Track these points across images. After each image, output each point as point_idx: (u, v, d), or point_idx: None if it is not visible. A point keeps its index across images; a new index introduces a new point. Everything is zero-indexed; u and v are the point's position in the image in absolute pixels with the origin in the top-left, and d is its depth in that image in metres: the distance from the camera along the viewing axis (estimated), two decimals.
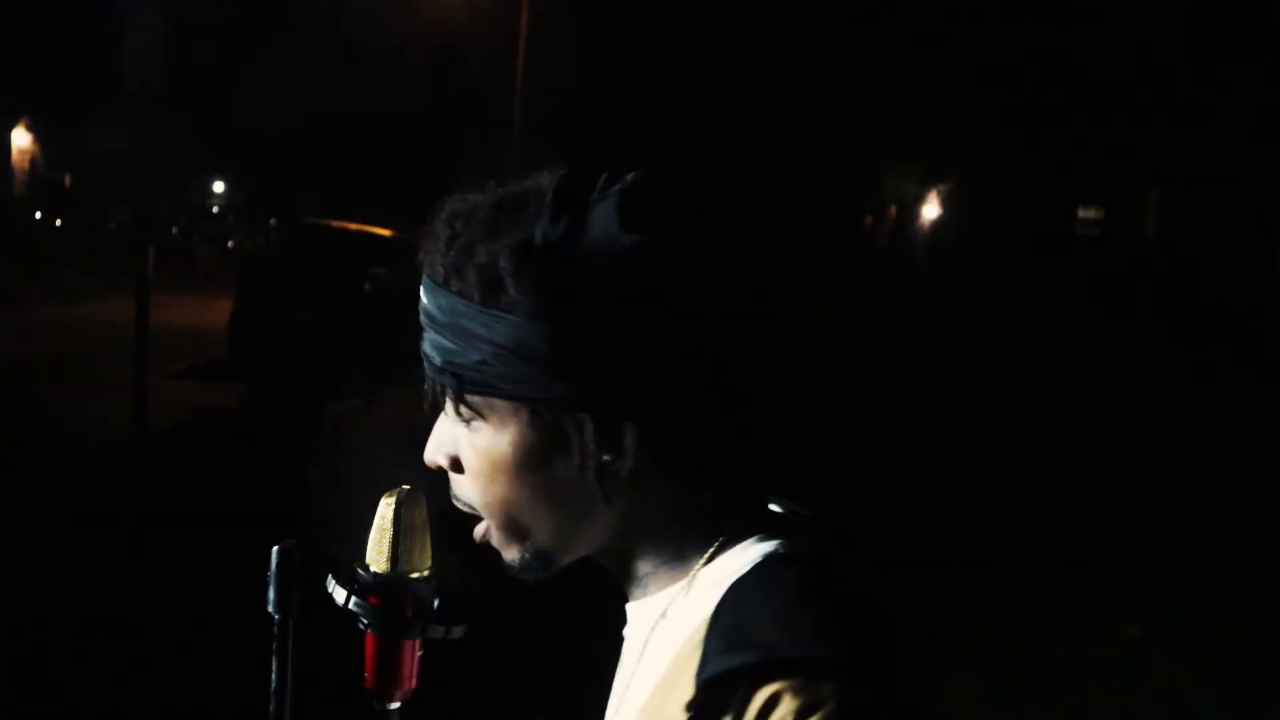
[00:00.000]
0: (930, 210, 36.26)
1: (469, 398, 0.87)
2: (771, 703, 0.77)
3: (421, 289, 0.90)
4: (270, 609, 0.87)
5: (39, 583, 5.08)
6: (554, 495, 0.88)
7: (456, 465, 0.92)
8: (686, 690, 0.82)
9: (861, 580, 0.88)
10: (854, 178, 36.67)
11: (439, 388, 0.90)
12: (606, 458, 0.85)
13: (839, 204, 36.91)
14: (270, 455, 7.58)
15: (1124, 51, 25.21)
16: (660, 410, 0.85)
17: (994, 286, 25.57)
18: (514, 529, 0.90)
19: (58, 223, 36.24)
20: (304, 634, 0.88)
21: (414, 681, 0.91)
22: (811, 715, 0.76)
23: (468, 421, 0.89)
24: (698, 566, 0.89)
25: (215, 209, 49.89)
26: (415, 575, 0.90)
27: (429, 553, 0.91)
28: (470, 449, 0.90)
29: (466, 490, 0.92)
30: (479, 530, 0.93)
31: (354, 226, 14.73)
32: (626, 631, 0.96)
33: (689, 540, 0.90)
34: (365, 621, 0.89)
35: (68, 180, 41.03)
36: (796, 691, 0.77)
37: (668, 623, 0.90)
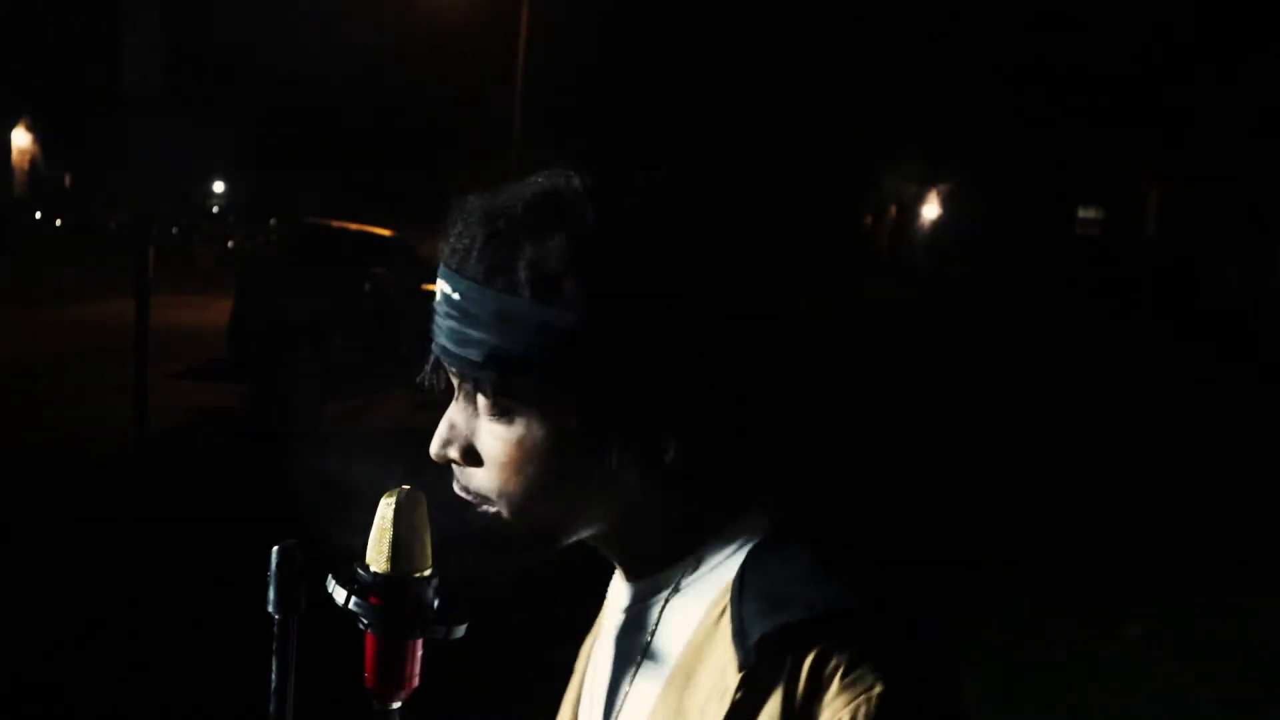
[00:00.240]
0: (930, 210, 36.25)
1: (508, 390, 0.89)
2: (824, 653, 0.82)
3: (447, 287, 0.90)
4: (270, 609, 0.87)
5: (39, 582, 5.09)
6: (583, 481, 0.90)
7: (470, 457, 0.93)
8: (722, 654, 0.86)
9: (860, 546, 0.91)
10: (854, 178, 36.67)
11: (462, 383, 0.92)
12: (645, 447, 0.88)
13: (839, 204, 36.90)
14: (270, 455, 7.59)
15: (1124, 51, 25.21)
16: (703, 403, 0.89)
17: (994, 286, 25.57)
18: (528, 516, 0.92)
19: (58, 223, 36.24)
20: (304, 634, 0.87)
21: (414, 681, 0.91)
22: (864, 659, 0.81)
23: (501, 413, 0.90)
24: (702, 545, 0.93)
25: (215, 209, 49.89)
26: (415, 575, 0.90)
27: (429, 553, 0.91)
28: (496, 439, 0.91)
29: (483, 481, 0.93)
30: (479, 521, 0.94)
31: (354, 226, 14.73)
32: (618, 606, 0.99)
33: (695, 520, 0.94)
34: (365, 621, 0.89)
35: (68, 180, 41.03)
36: (844, 640, 0.82)
37: (682, 596, 0.93)
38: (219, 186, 53.89)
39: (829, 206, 35.90)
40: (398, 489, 0.91)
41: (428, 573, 0.90)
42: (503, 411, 0.90)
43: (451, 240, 0.90)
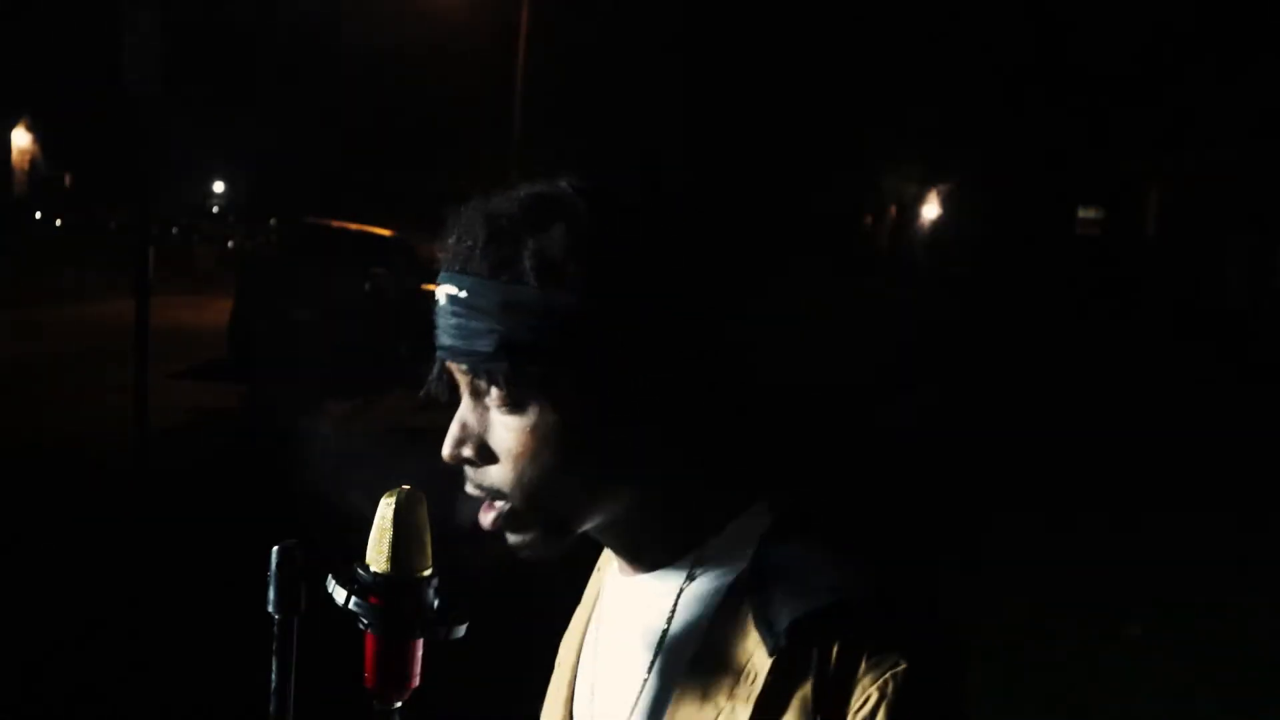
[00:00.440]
0: (930, 210, 36.25)
1: (521, 378, 0.92)
2: (851, 635, 0.87)
3: (452, 288, 0.94)
4: (270, 609, 0.87)
5: (39, 582, 5.09)
6: (593, 466, 0.93)
7: (484, 454, 0.95)
8: (747, 638, 0.90)
9: (864, 532, 0.95)
10: (854, 178, 36.67)
11: (474, 378, 0.94)
12: (652, 426, 0.92)
13: (839, 203, 36.90)
14: (270, 455, 7.58)
15: (1124, 51, 25.20)
16: (701, 377, 0.93)
17: (994, 286, 25.57)
18: (542, 506, 0.94)
19: (58, 223, 36.23)
20: (304, 634, 0.87)
21: (414, 681, 0.91)
22: (889, 640, 0.86)
23: (513, 403, 0.93)
24: (714, 534, 0.97)
25: (215, 209, 49.88)
26: (415, 575, 0.90)
27: (429, 553, 0.91)
28: (509, 432, 0.94)
29: (497, 476, 0.95)
30: (491, 517, 0.96)
31: (354, 226, 14.73)
32: (617, 600, 1.03)
33: (704, 509, 0.97)
34: (365, 621, 0.89)
35: (68, 180, 41.02)
36: (870, 622, 0.87)
37: (698, 585, 0.96)
38: (219, 186, 53.87)
39: (829, 206, 35.89)
40: (398, 489, 0.91)
41: (428, 573, 0.91)
42: (514, 402, 0.93)
43: (453, 244, 0.94)
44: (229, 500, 6.38)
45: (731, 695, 0.90)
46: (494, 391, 0.93)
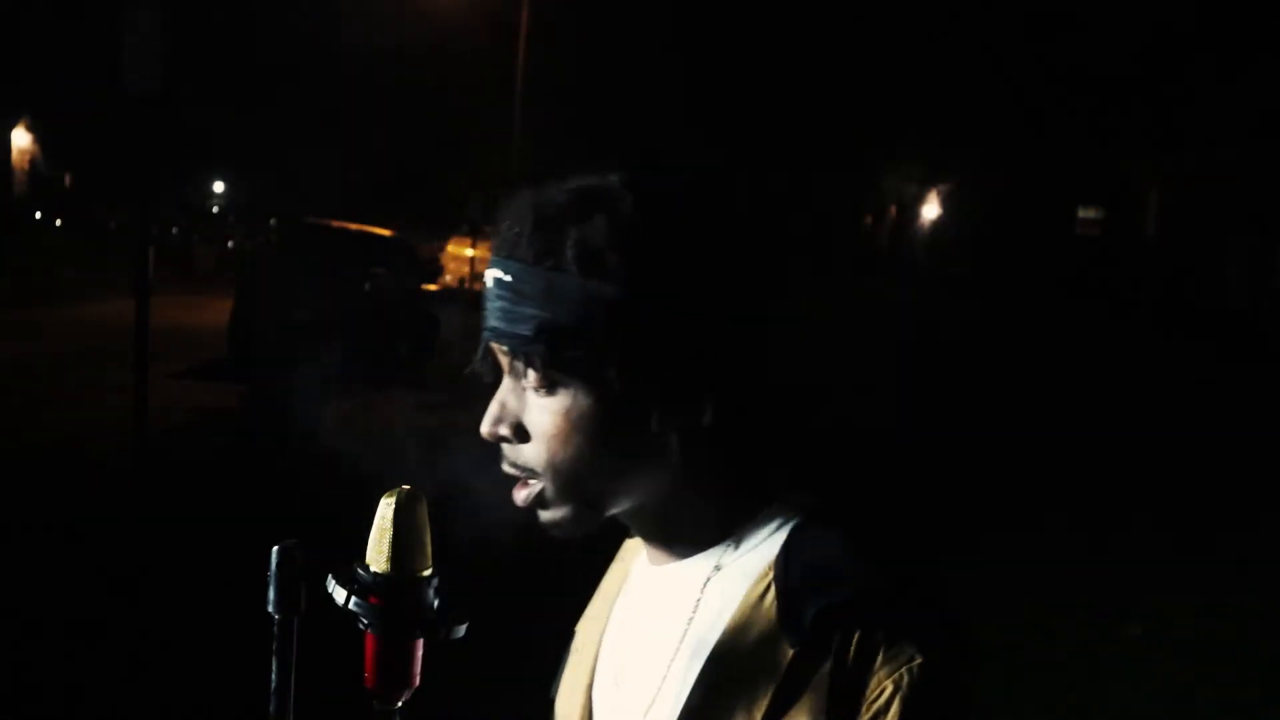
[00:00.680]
0: (930, 210, 36.25)
1: (558, 361, 0.95)
2: (870, 628, 0.90)
3: (499, 272, 0.97)
4: (270, 609, 0.87)
5: (39, 582, 5.08)
6: (625, 451, 0.96)
7: (520, 433, 0.99)
8: (770, 629, 0.92)
9: (888, 530, 0.97)
10: (854, 178, 36.67)
11: (513, 359, 0.98)
12: (686, 414, 0.94)
13: (838, 203, 36.88)
14: (270, 455, 7.58)
15: (1124, 51, 25.20)
16: (737, 370, 0.96)
17: (994, 286, 25.57)
18: (573, 487, 0.98)
19: (58, 223, 36.23)
20: (304, 634, 0.87)
21: (415, 681, 0.91)
22: (906, 633, 0.89)
23: (549, 386, 0.96)
24: (740, 527, 0.99)
25: (215, 209, 49.88)
26: (415, 575, 0.90)
27: (429, 553, 0.91)
28: (544, 413, 0.97)
29: (530, 455, 0.98)
30: (525, 494, 1.00)
31: (354, 226, 14.73)
32: (645, 589, 1.06)
33: (733, 500, 1.00)
34: (365, 621, 0.89)
35: (68, 180, 41.01)
36: (889, 616, 0.90)
37: (723, 576, 0.99)
38: (219, 186, 53.87)
39: (828, 205, 35.86)
40: (398, 489, 0.91)
41: (428, 573, 0.91)
42: (550, 384, 0.96)
43: (502, 231, 0.98)
44: (229, 500, 6.38)
45: (754, 684, 0.92)
46: (531, 373, 0.96)
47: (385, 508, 0.90)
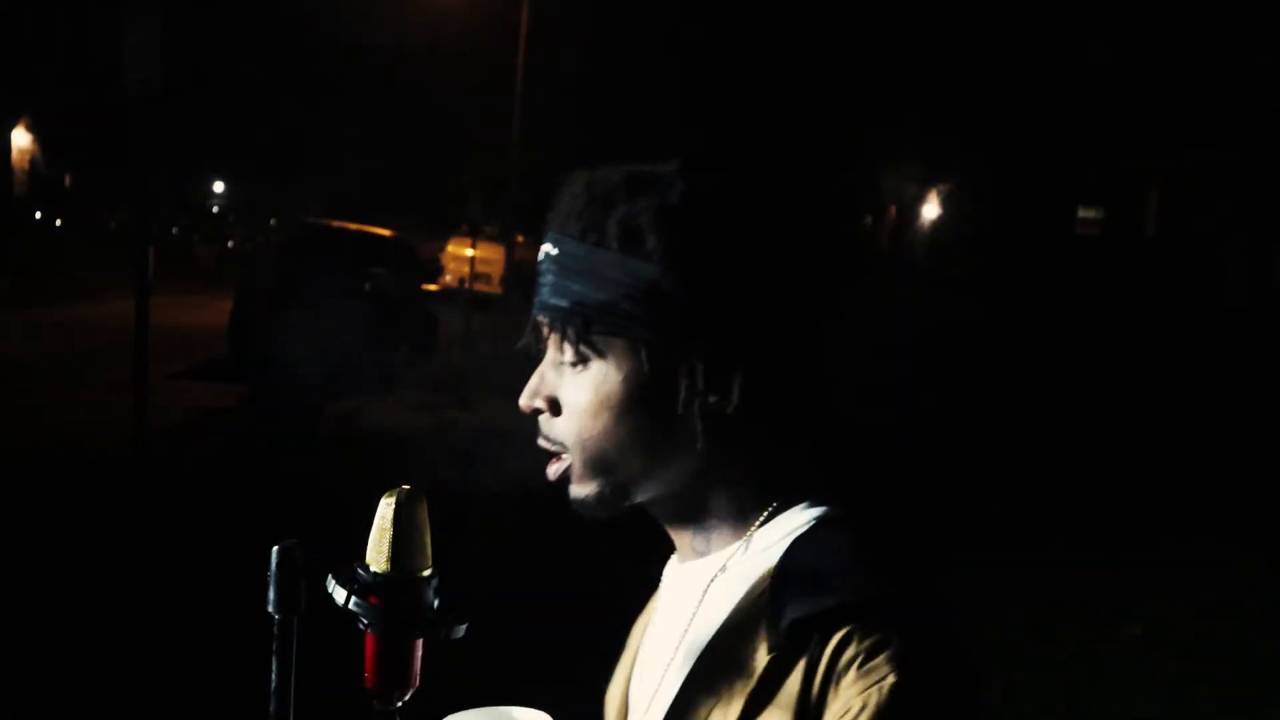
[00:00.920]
0: (930, 210, 36.25)
1: (591, 336, 0.97)
2: (845, 640, 0.87)
3: (549, 245, 1.00)
4: (270, 609, 0.87)
5: (39, 582, 5.08)
6: (652, 433, 0.97)
7: (555, 407, 1.01)
8: (757, 634, 0.91)
9: (904, 542, 0.97)
10: (854, 177, 36.67)
11: (549, 333, 1.00)
12: (712, 399, 0.95)
13: (838, 202, 36.89)
14: (270, 455, 7.59)
15: (1124, 51, 25.20)
16: (765, 360, 0.96)
17: (994, 286, 25.56)
18: (601, 465, 0.99)
19: (58, 223, 36.24)
20: (304, 634, 0.87)
21: (415, 682, 0.91)
22: (882, 650, 0.86)
23: (582, 360, 0.98)
24: (754, 527, 0.99)
25: (215, 209, 49.87)
26: (415, 575, 0.90)
27: (429, 553, 0.91)
28: (576, 388, 0.99)
29: (561, 429, 1.01)
30: (556, 468, 1.02)
31: (354, 226, 14.75)
32: (669, 587, 1.06)
33: (752, 499, 1.00)
34: (365, 621, 0.89)
35: (68, 180, 41.01)
36: (868, 630, 0.87)
37: (727, 575, 0.99)
38: (219, 186, 53.87)
39: (829, 205, 35.82)
40: (397, 489, 0.91)
41: (428, 573, 0.91)
42: (583, 359, 0.98)
43: (558, 207, 1.00)
44: (229, 500, 6.38)
45: (731, 689, 0.92)
46: (566, 347, 0.98)
47: (385, 508, 0.90)
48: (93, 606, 4.83)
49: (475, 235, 21.03)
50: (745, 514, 1.00)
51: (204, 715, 3.90)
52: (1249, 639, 5.52)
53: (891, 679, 0.85)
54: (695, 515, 1.01)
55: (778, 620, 0.90)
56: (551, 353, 1.01)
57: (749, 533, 0.99)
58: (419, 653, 0.91)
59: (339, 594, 0.89)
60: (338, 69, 40.15)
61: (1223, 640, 5.45)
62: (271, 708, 0.88)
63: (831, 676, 0.87)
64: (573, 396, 0.99)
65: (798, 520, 0.97)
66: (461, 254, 21.59)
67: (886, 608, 0.88)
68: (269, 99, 40.92)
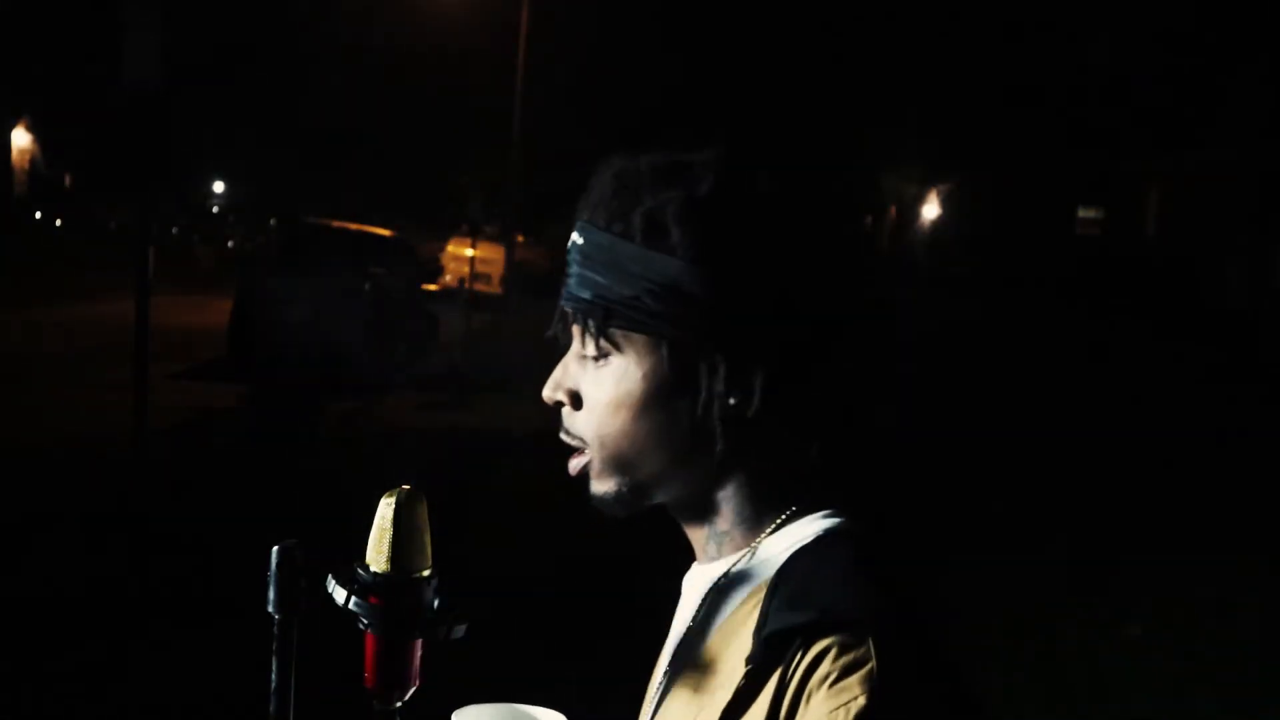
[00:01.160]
0: (930, 210, 36.25)
1: (612, 330, 0.95)
2: (820, 657, 0.84)
3: (575, 233, 0.98)
4: (270, 609, 0.87)
5: (39, 582, 5.08)
6: (671, 433, 0.95)
7: (576, 400, 0.99)
8: (744, 645, 0.89)
9: (909, 557, 0.95)
10: (854, 177, 36.66)
11: (572, 324, 0.98)
12: (732, 400, 0.93)
13: (838, 202, 36.83)
14: (270, 455, 7.59)
15: (1124, 51, 25.20)
16: (788, 363, 0.94)
17: (994, 286, 25.56)
18: (620, 462, 0.97)
19: (58, 223, 36.24)
20: (304, 634, 0.87)
21: (414, 681, 0.91)
22: (855, 670, 0.83)
23: (603, 355, 0.96)
24: (764, 534, 0.96)
25: (215, 209, 49.87)
26: (415, 575, 0.90)
27: (429, 553, 0.91)
28: (597, 383, 0.97)
29: (582, 423, 0.99)
30: (576, 464, 1.00)
31: (354, 226, 14.75)
32: (685, 589, 1.04)
33: (767, 507, 0.97)
34: (365, 621, 0.89)
35: (68, 180, 41.02)
36: (843, 648, 0.83)
37: (728, 584, 0.97)
38: (219, 186, 53.86)
39: (850, 204, 35.79)
40: (398, 489, 0.91)
41: (427, 573, 0.91)
42: (604, 353, 0.96)
43: (588, 194, 0.98)
44: (229, 500, 6.38)
45: (712, 699, 0.90)
46: (587, 340, 0.97)
47: (385, 508, 0.90)
48: (93, 606, 4.83)
49: (475, 235, 21.02)
50: (759, 519, 0.97)
51: (204, 715, 3.90)
52: (1249, 639, 5.52)
53: (861, 701, 0.81)
54: (710, 518, 0.99)
55: (760, 632, 0.88)
56: (576, 344, 0.99)
57: (757, 540, 0.97)
58: (419, 653, 0.91)
59: (339, 594, 0.89)
60: (338, 69, 40.13)
61: (1223, 640, 5.45)
62: (271, 708, 0.88)
63: (803, 692, 0.84)
64: (593, 391, 0.97)
65: (806, 531, 0.95)
66: (461, 254, 21.58)
67: (868, 626, 0.84)
68: (269, 99, 40.92)
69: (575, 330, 0.98)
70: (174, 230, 35.73)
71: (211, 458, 7.79)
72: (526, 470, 6.59)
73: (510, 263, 21.45)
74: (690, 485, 0.97)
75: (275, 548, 0.88)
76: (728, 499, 0.97)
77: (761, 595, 0.91)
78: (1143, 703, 4.70)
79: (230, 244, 33.84)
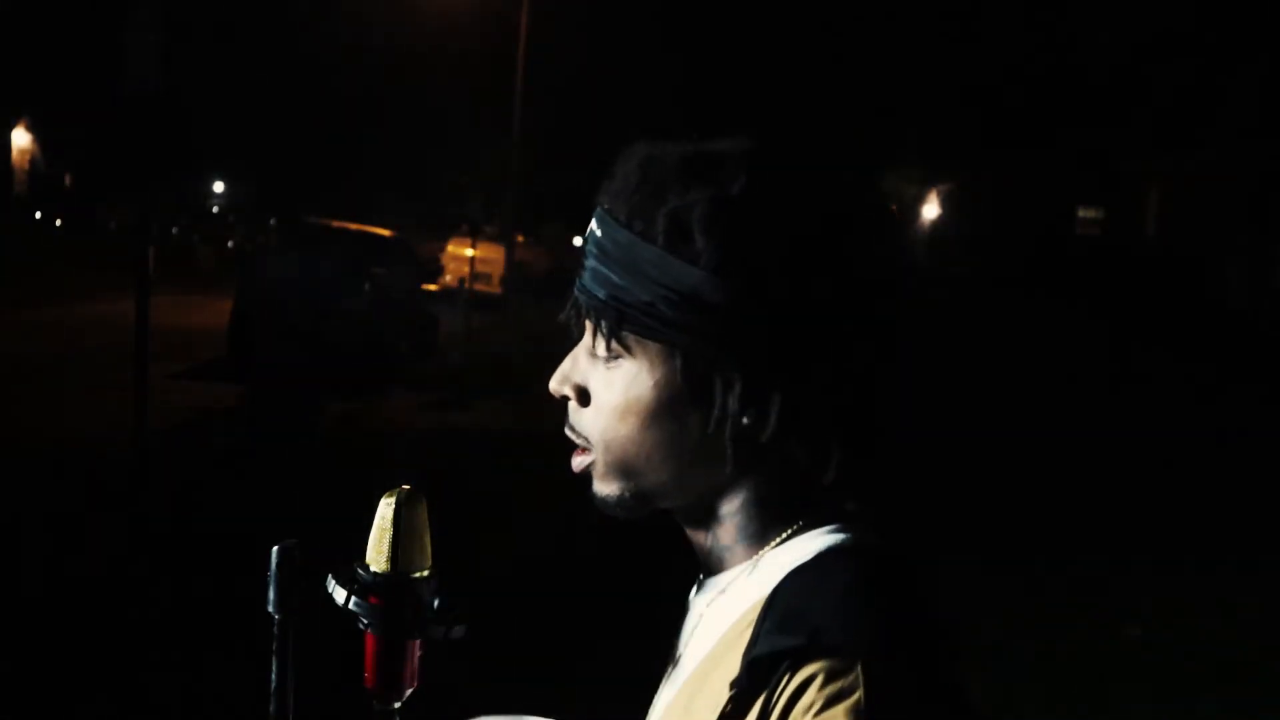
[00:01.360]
0: (930, 210, 36.26)
1: (624, 334, 0.89)
2: (806, 684, 0.79)
3: (595, 222, 0.91)
4: (270, 609, 0.87)
5: (38, 582, 5.08)
6: (679, 445, 0.90)
7: (583, 396, 0.94)
8: (732, 667, 0.83)
9: (918, 576, 0.89)
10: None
11: (584, 319, 0.93)
12: (746, 420, 0.87)
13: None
14: (270, 455, 7.59)
15: (1124, 51, 25.20)
16: (809, 385, 0.87)
17: (994, 286, 25.56)
18: (625, 468, 0.92)
19: (58, 223, 36.25)
20: (304, 634, 0.87)
21: (414, 682, 0.91)
22: (841, 700, 0.78)
23: (614, 357, 0.91)
24: (767, 548, 0.91)
25: (215, 209, 49.87)
26: (415, 575, 0.90)
27: (429, 553, 0.91)
28: (604, 385, 0.92)
29: (588, 423, 0.94)
30: (580, 461, 0.95)
31: (354, 226, 14.74)
32: (693, 599, 0.99)
33: (773, 521, 0.92)
34: (365, 621, 0.89)
35: (68, 180, 41.04)
36: (830, 675, 0.78)
37: (725, 599, 0.92)
38: (219, 186, 53.86)
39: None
40: (397, 489, 0.91)
41: (427, 573, 0.91)
42: (615, 355, 0.91)
43: (611, 182, 0.92)
44: (229, 500, 6.38)
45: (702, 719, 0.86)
46: (599, 339, 0.91)
47: (385, 508, 0.90)
48: (93, 606, 4.83)
49: (475, 235, 21.03)
50: (763, 534, 0.92)
51: (204, 715, 3.90)
52: (1249, 639, 5.52)
53: None
54: (714, 530, 0.94)
55: (747, 655, 0.83)
56: (587, 338, 0.94)
57: (759, 554, 0.91)
58: (418, 652, 0.91)
59: (339, 594, 0.89)
60: (338, 69, 40.13)
61: (1223, 640, 5.45)
62: (271, 708, 0.88)
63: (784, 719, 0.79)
64: (602, 392, 0.92)
65: (809, 547, 0.89)
66: (461, 254, 21.58)
67: (858, 651, 0.79)
68: (269, 99, 40.93)
69: (588, 326, 0.93)
70: (174, 230, 35.71)
71: (211, 458, 7.79)
72: (526, 470, 6.60)
73: (510, 263, 21.45)
74: (695, 497, 0.93)
75: (275, 548, 0.88)
76: (733, 513, 0.92)
77: (756, 615, 0.86)
78: (1143, 703, 4.70)
79: (230, 244, 33.82)
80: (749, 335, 0.86)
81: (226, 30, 35.91)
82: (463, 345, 13.56)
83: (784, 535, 0.91)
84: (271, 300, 11.04)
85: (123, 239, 21.45)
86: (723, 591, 0.93)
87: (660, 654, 1.01)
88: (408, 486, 0.91)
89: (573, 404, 0.95)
